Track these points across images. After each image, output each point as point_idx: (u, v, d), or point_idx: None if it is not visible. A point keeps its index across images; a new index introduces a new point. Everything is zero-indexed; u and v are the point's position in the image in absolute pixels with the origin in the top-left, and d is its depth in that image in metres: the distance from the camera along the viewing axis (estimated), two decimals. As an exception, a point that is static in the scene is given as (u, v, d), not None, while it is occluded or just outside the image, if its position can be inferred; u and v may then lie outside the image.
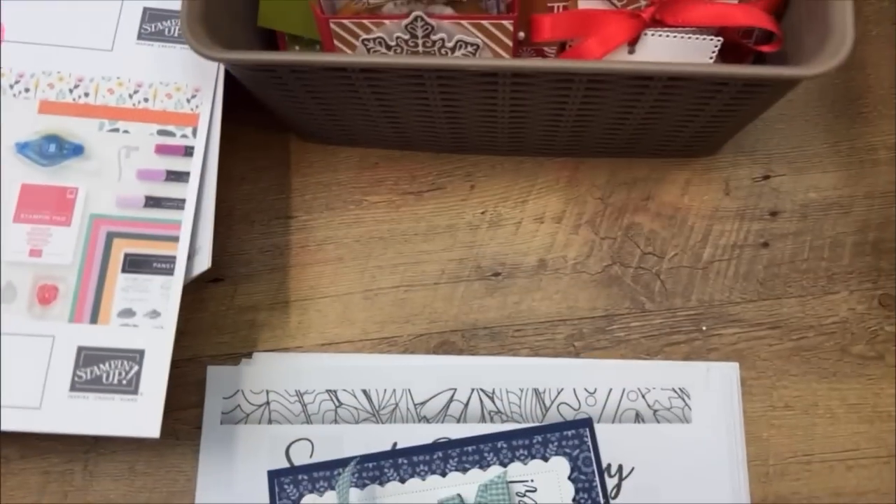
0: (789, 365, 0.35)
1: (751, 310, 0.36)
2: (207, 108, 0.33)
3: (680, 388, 0.35)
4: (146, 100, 0.32)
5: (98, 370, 0.29)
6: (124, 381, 0.29)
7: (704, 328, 0.36)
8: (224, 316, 0.37)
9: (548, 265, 0.38)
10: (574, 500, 0.33)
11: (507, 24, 0.31)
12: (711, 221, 0.38)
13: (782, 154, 0.39)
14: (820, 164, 0.38)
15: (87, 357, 0.29)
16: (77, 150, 0.31)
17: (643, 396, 0.35)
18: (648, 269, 0.37)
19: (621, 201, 0.38)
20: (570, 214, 0.38)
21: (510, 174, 0.39)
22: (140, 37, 0.33)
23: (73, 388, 0.29)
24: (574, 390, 0.35)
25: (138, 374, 0.29)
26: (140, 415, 0.29)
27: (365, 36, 0.32)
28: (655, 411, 0.34)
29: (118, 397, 0.29)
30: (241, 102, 0.35)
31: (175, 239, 0.31)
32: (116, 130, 0.32)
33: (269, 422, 0.35)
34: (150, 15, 0.33)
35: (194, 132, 0.32)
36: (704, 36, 0.32)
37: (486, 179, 0.39)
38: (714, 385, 0.35)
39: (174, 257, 0.31)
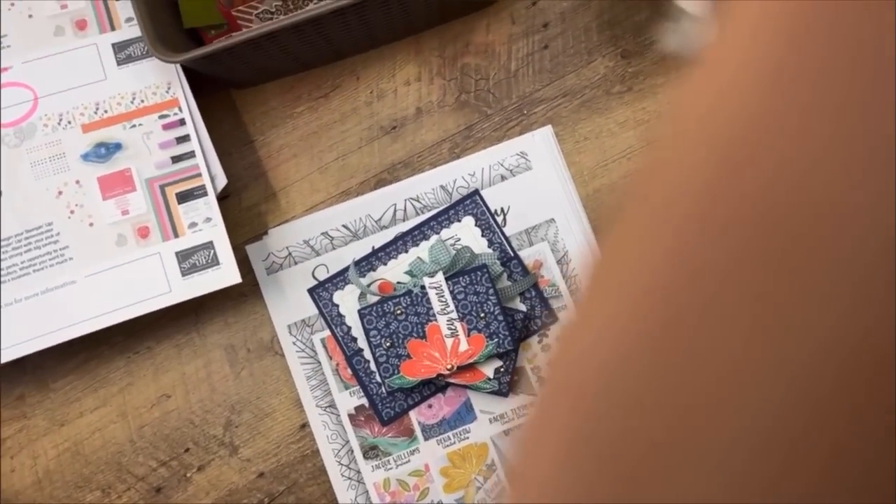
0: (579, 114, 0.57)
1: (549, 90, 0.58)
2: (181, 92, 0.52)
3: (521, 152, 0.57)
4: (142, 101, 0.51)
5: (192, 260, 0.50)
6: (209, 261, 0.50)
7: (525, 112, 0.58)
8: (240, 216, 0.58)
9: (423, 110, 0.58)
10: (483, 235, 0.56)
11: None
12: (510, 44, 0.58)
13: (540, -16, 0.59)
14: (564, -18, 0.58)
15: (183, 255, 0.50)
16: (118, 146, 0.50)
17: (502, 164, 0.57)
18: (482, 89, 0.58)
19: (452, 53, 0.58)
20: (424, 73, 0.58)
21: (378, 61, 0.59)
22: (118, 63, 0.51)
23: (183, 274, 0.50)
24: (463, 177, 0.57)
25: (215, 254, 0.50)
26: (225, 275, 0.50)
27: (256, 11, 0.50)
28: (511, 170, 0.57)
29: (209, 270, 0.50)
30: (191, 78, 0.54)
31: (199, 175, 0.51)
32: (134, 126, 0.51)
33: (295, 263, 0.57)
34: (118, 47, 0.51)
35: (179, 109, 0.51)
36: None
37: (365, 70, 0.59)
38: (540, 142, 0.57)
39: (203, 185, 0.51)
